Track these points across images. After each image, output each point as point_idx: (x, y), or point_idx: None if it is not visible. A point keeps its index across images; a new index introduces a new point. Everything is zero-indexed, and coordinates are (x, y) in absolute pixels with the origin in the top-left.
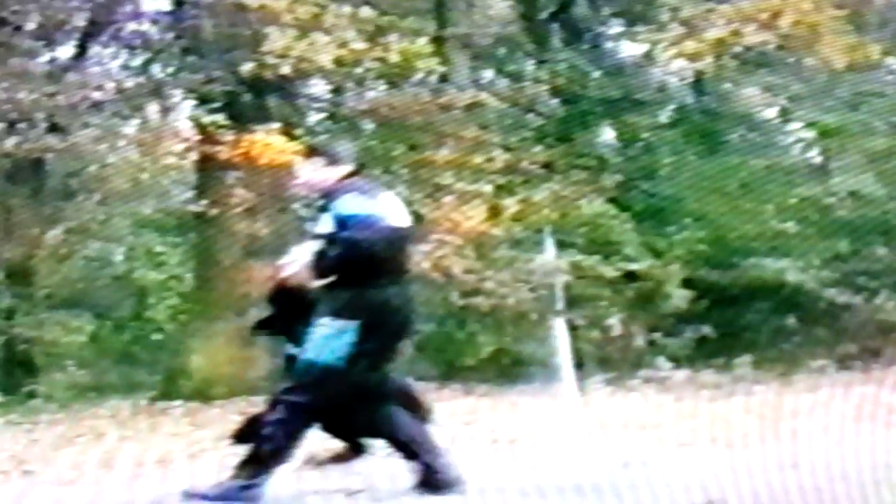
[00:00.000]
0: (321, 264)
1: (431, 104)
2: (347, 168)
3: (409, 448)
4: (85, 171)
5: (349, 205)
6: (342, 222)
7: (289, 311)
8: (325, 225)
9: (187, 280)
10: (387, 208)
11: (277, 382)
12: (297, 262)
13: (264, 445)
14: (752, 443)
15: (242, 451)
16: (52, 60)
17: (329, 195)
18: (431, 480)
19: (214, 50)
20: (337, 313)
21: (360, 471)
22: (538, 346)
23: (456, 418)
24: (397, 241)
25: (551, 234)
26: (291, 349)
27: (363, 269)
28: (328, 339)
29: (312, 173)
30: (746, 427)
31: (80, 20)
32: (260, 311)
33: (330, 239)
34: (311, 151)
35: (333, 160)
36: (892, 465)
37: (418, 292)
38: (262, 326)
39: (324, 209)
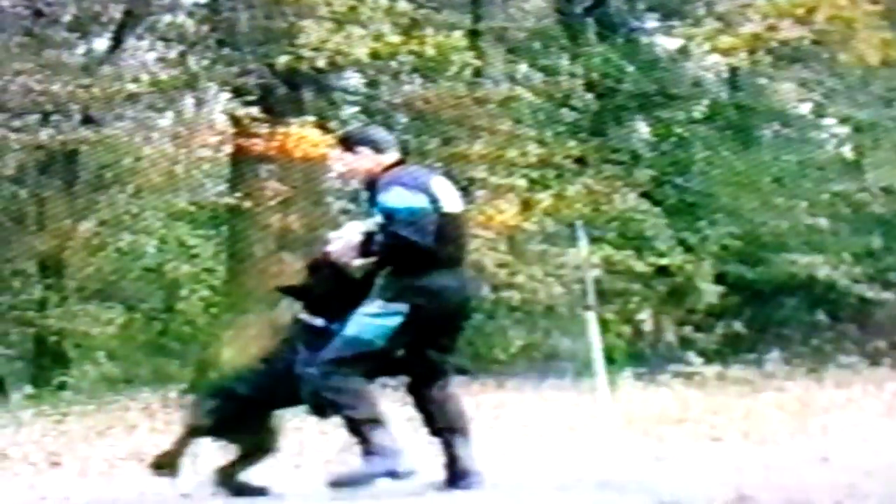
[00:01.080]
0: (371, 251)
1: (466, 98)
2: (394, 156)
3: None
4: (118, 163)
5: (399, 197)
6: (392, 214)
7: (323, 285)
8: (377, 216)
9: (219, 273)
10: (438, 196)
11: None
12: (344, 240)
13: (352, 416)
14: (783, 438)
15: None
16: (88, 52)
17: (378, 185)
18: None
19: (250, 42)
20: (389, 297)
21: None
22: (569, 341)
23: (486, 412)
24: (449, 231)
25: (583, 228)
26: (316, 321)
27: (415, 258)
28: (375, 317)
29: (359, 162)
30: (777, 423)
31: (116, 12)
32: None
33: (382, 230)
34: (356, 140)
35: (379, 148)
36: None
37: (474, 281)
38: (290, 292)
39: (373, 199)
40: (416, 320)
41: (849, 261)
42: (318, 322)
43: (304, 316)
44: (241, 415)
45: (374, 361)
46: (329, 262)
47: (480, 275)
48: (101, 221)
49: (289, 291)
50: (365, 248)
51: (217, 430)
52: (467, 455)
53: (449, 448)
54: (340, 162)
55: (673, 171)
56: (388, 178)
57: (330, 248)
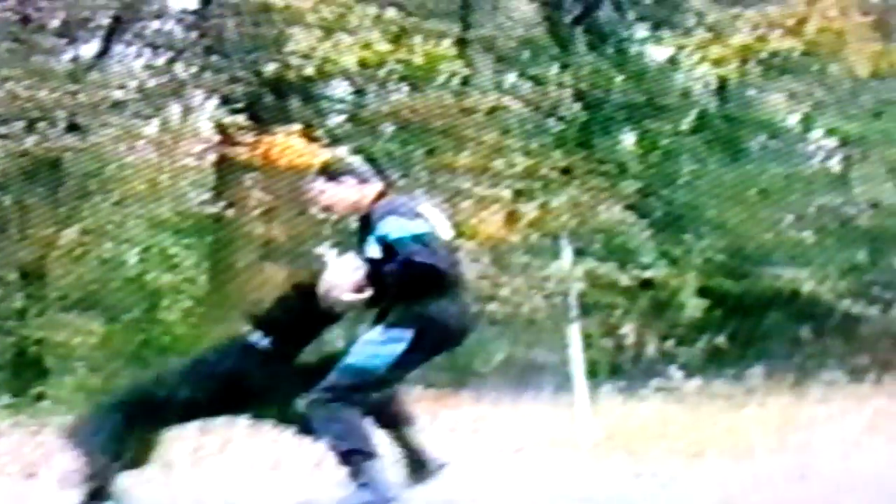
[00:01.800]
0: (380, 282)
1: (453, 107)
2: (378, 186)
3: None
4: (103, 171)
5: (400, 225)
6: (397, 244)
7: (298, 313)
8: (373, 249)
9: (201, 283)
10: (431, 223)
11: None
12: (343, 272)
13: (344, 450)
14: (764, 454)
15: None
16: (75, 59)
17: (372, 216)
18: None
19: (237, 50)
20: (391, 324)
21: None
22: (551, 354)
23: (465, 425)
24: (448, 256)
25: (568, 240)
26: (262, 342)
27: (430, 284)
28: (378, 344)
29: (344, 192)
30: (758, 438)
31: (104, 18)
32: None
33: (386, 260)
34: (340, 171)
35: (363, 178)
36: None
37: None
38: (262, 326)
39: (367, 231)
40: (419, 347)
41: (834, 275)
42: (264, 343)
43: (255, 335)
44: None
45: (375, 390)
46: (313, 290)
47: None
48: (84, 230)
49: (264, 326)
50: (371, 280)
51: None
52: (420, 443)
53: (402, 440)
54: (324, 193)
55: (659, 184)
56: (382, 209)
57: (327, 279)
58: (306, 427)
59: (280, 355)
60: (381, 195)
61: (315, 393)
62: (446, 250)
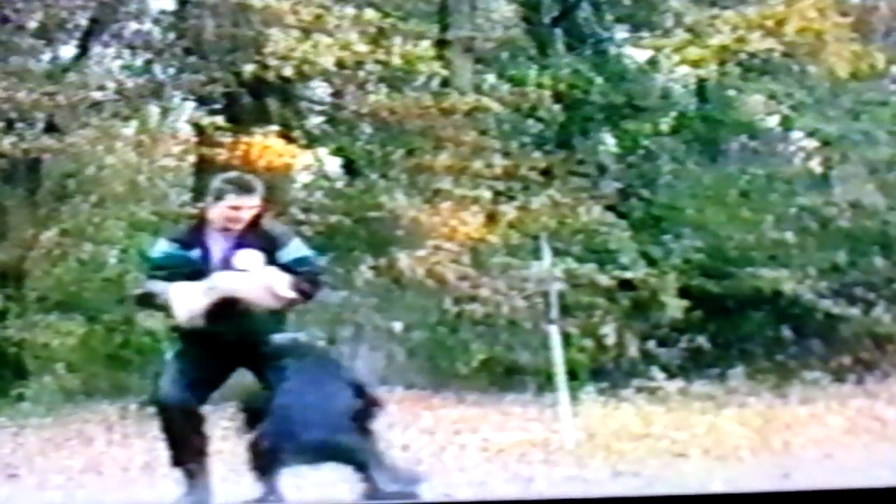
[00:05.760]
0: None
1: (432, 108)
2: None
3: None
4: (82, 172)
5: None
6: (302, 261)
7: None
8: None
9: None
10: None
11: None
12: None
13: None
14: (745, 455)
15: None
16: (53, 59)
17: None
18: None
19: (216, 51)
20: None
21: None
22: (531, 355)
23: (447, 427)
24: None
25: (548, 241)
26: None
27: None
28: None
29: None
30: (740, 439)
31: (83, 19)
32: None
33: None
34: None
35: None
36: (886, 479)
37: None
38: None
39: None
40: None
41: (815, 276)
42: None
43: None
44: None
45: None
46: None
47: (443, 287)
48: (63, 231)
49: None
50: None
51: None
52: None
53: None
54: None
55: (639, 184)
56: (280, 229)
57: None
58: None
59: None
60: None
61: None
62: None
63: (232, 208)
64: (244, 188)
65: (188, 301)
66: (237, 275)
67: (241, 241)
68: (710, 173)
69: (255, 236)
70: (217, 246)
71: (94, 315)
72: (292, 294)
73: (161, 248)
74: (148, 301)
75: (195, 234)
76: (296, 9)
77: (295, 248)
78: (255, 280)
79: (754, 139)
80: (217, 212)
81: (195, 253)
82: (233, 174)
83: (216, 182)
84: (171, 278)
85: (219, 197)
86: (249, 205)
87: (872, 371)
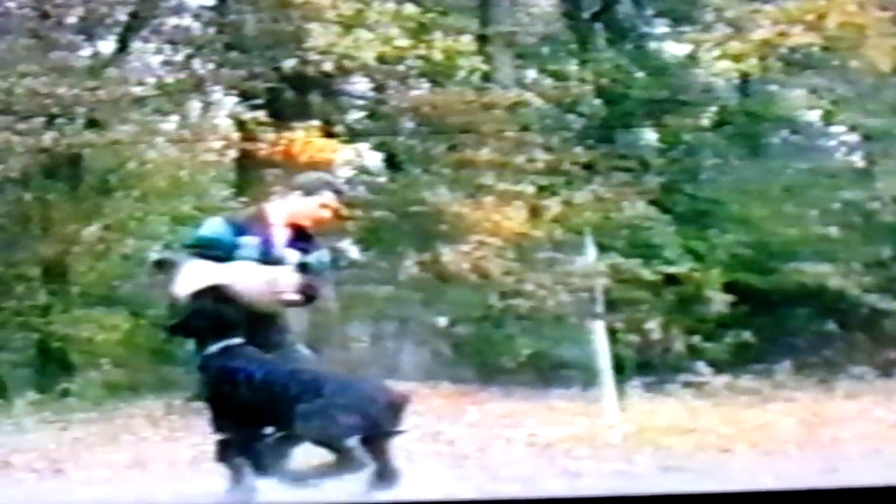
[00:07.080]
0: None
1: (474, 103)
2: None
3: None
4: (123, 167)
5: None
6: (318, 266)
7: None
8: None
9: None
10: None
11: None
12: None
13: None
14: (792, 449)
15: None
16: (94, 55)
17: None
18: None
19: (256, 46)
20: None
21: None
22: (577, 350)
23: (493, 421)
24: None
25: (592, 236)
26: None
27: None
28: None
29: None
30: (786, 434)
31: (122, 14)
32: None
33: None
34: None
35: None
36: None
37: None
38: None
39: (305, 245)
40: None
41: (859, 270)
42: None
43: None
44: None
45: None
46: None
47: (487, 282)
48: (106, 226)
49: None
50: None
51: None
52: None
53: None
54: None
55: (682, 179)
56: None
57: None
58: None
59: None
60: None
61: None
62: None
63: (322, 206)
64: (337, 189)
65: (194, 280)
66: (257, 268)
67: (297, 239)
68: (753, 168)
69: (302, 236)
70: (278, 239)
71: (137, 310)
72: (296, 297)
73: (215, 226)
74: (161, 268)
75: (256, 223)
76: (336, 4)
77: (320, 253)
78: (264, 276)
79: (796, 133)
80: (303, 207)
81: (251, 241)
82: (324, 174)
83: (307, 179)
84: (209, 258)
85: (310, 193)
86: (335, 206)
87: None
